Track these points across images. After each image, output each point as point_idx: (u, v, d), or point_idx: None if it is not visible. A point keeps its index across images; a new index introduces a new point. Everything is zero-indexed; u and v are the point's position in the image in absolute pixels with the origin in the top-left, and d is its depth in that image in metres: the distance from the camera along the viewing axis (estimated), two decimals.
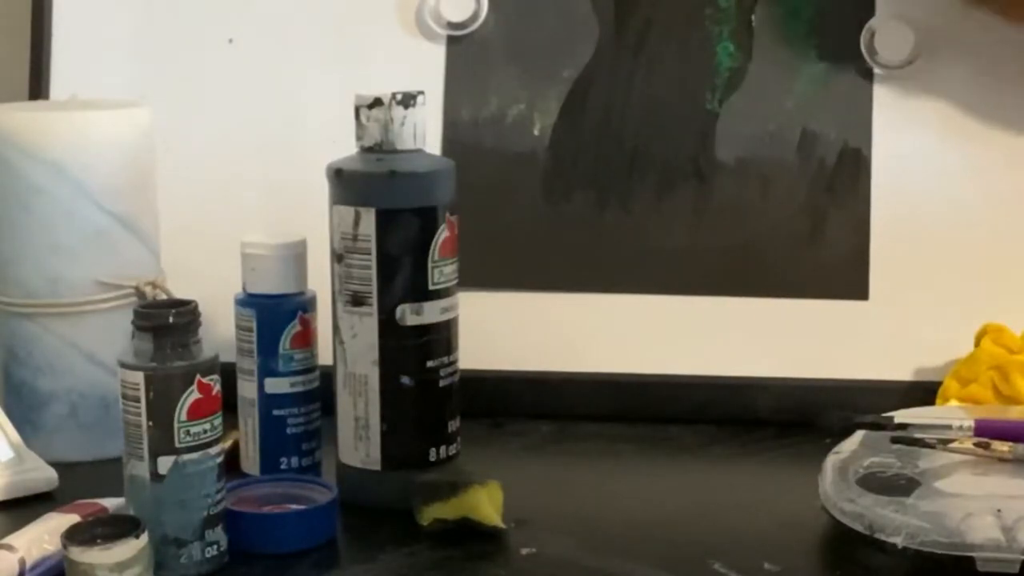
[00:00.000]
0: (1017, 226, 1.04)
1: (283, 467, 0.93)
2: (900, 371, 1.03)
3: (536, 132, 1.09)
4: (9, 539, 0.81)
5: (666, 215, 1.07)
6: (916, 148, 1.05)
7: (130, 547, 0.75)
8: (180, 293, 0.95)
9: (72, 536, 0.76)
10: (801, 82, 1.06)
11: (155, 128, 1.02)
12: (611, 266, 1.07)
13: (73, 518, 0.82)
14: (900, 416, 0.90)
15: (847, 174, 1.05)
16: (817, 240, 1.05)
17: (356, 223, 0.88)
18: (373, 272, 0.88)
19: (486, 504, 0.85)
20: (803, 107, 1.06)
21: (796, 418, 0.99)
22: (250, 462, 0.94)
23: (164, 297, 0.98)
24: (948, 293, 1.04)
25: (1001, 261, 1.04)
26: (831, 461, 0.87)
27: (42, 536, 0.82)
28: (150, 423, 0.80)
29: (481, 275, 1.05)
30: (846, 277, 1.04)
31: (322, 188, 0.90)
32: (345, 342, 0.90)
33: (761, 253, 1.05)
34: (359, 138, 0.90)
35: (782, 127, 1.06)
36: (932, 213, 1.04)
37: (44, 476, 0.94)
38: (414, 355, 0.89)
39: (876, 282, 1.04)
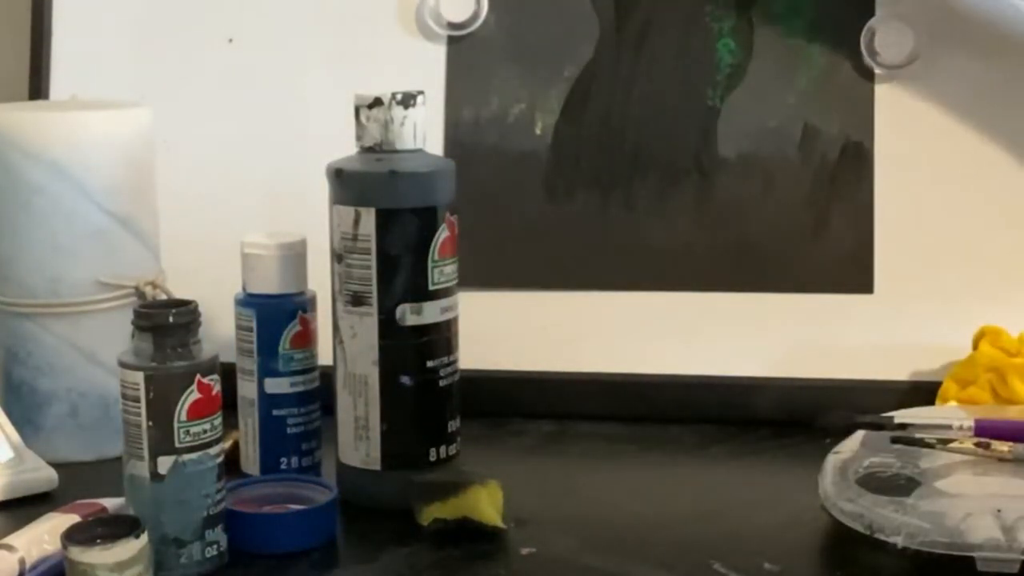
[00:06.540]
0: (1018, 224, 1.04)
1: (283, 467, 0.93)
2: (900, 371, 1.03)
3: (538, 131, 1.09)
4: (9, 539, 0.81)
5: (668, 212, 1.07)
6: (918, 143, 1.05)
7: (130, 547, 0.75)
8: (180, 293, 0.95)
9: (72, 536, 0.76)
10: (802, 78, 1.06)
11: (155, 128, 1.02)
12: (613, 264, 1.07)
13: (73, 518, 0.83)
14: (900, 416, 0.90)
15: (849, 169, 1.05)
16: (820, 235, 1.05)
17: (356, 223, 0.88)
18: (373, 272, 0.88)
19: (486, 504, 0.85)
20: (804, 102, 1.06)
21: (796, 418, 0.99)
22: (250, 462, 0.94)
23: (164, 297, 0.98)
24: (950, 289, 1.04)
25: (1002, 259, 1.04)
26: (831, 461, 0.87)
27: (42, 536, 0.82)
28: (150, 423, 0.80)
29: (481, 275, 1.05)
30: (850, 272, 1.04)
31: (322, 188, 0.90)
32: (345, 342, 0.89)
33: (764, 249, 1.05)
34: (359, 138, 0.90)
35: (784, 123, 1.06)
36: (935, 209, 1.04)
37: (44, 476, 0.94)
38: (414, 355, 0.89)
39: (880, 276, 1.04)
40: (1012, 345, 0.98)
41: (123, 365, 0.81)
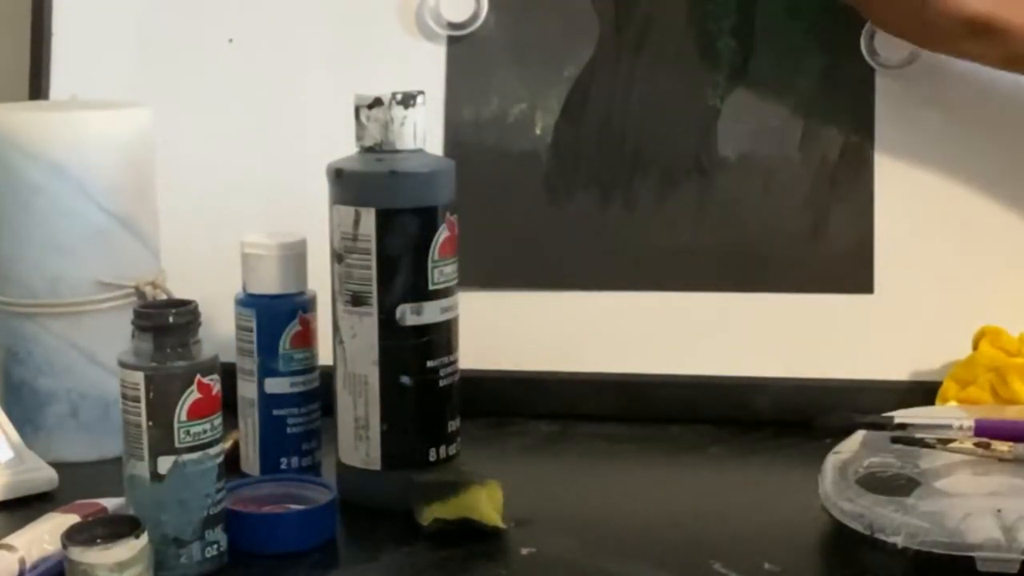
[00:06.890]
0: (1018, 224, 1.04)
1: (283, 467, 0.93)
2: (900, 371, 1.03)
3: (538, 131, 1.09)
4: (9, 539, 0.81)
5: (668, 212, 1.06)
6: (918, 143, 1.05)
7: (130, 547, 0.75)
8: (180, 293, 0.95)
9: (72, 536, 0.76)
10: (803, 78, 1.06)
11: (155, 128, 1.02)
12: (613, 264, 1.07)
13: (73, 518, 0.83)
14: (900, 416, 0.90)
15: (849, 169, 1.05)
16: (820, 235, 1.05)
17: (356, 223, 0.88)
18: (373, 272, 0.88)
19: (486, 504, 0.85)
20: (805, 102, 1.06)
21: (796, 418, 0.99)
22: (250, 462, 0.94)
23: (164, 297, 0.98)
24: (950, 289, 1.04)
25: (1002, 259, 1.04)
26: (831, 461, 0.87)
27: (42, 536, 0.82)
28: (150, 423, 0.80)
29: (481, 275, 1.05)
30: (850, 272, 1.04)
31: (322, 188, 0.90)
32: (345, 342, 0.90)
33: (764, 249, 1.05)
34: (359, 138, 0.90)
35: (784, 123, 1.06)
36: (935, 209, 1.04)
37: (44, 476, 0.94)
38: (414, 355, 0.89)
39: (880, 276, 1.04)
40: (1012, 345, 0.98)
41: (123, 365, 0.81)
